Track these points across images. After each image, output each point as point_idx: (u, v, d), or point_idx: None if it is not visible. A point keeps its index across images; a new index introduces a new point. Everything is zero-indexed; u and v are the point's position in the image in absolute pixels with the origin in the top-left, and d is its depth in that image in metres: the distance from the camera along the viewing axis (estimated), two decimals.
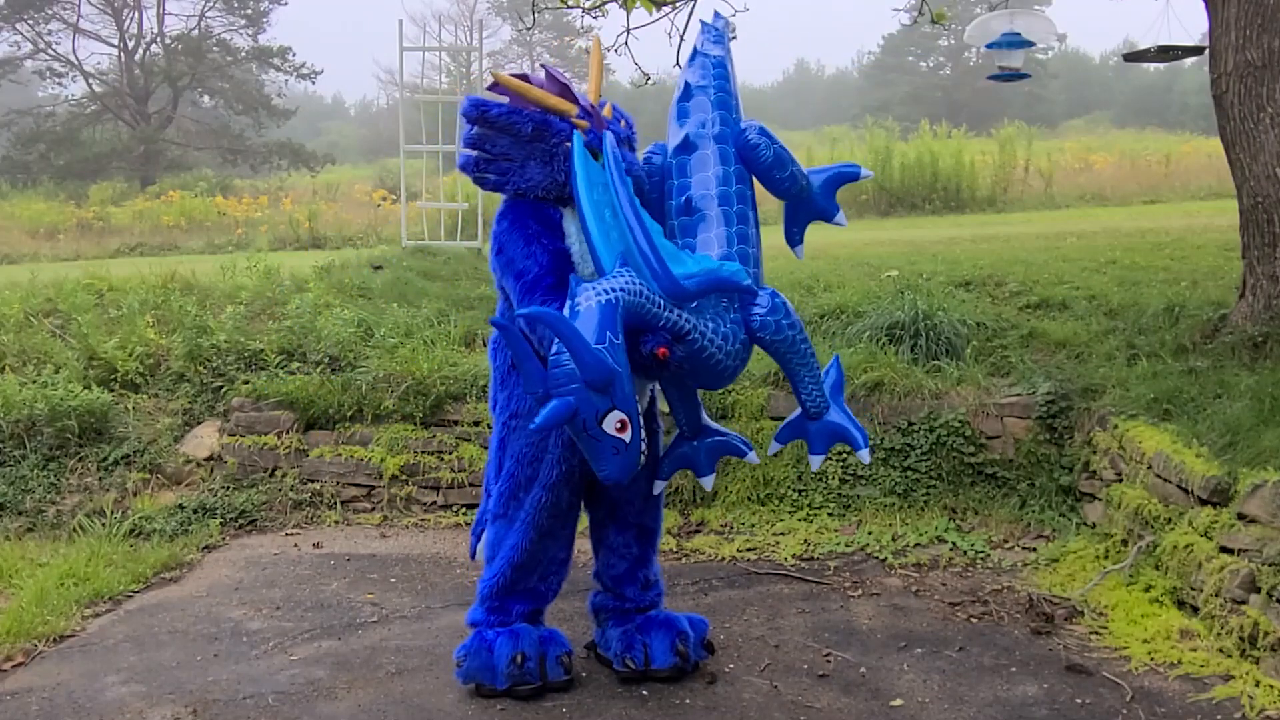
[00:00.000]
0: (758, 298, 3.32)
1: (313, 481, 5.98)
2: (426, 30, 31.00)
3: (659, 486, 3.72)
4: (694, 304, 3.17)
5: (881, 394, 5.56)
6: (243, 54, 31.27)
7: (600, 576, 3.82)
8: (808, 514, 5.40)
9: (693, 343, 3.15)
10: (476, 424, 5.85)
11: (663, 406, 3.81)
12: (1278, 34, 5.11)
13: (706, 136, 3.49)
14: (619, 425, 2.94)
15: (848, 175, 3.77)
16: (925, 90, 41.25)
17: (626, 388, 2.94)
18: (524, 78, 3.47)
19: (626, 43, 7.16)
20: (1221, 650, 3.64)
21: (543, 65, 3.63)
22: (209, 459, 6.17)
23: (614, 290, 2.99)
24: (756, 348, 3.39)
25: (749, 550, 5.10)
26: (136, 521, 5.58)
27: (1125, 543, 4.50)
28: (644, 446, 3.05)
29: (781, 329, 3.31)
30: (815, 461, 3.68)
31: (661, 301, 3.08)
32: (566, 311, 2.97)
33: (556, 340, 2.91)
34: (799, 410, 3.59)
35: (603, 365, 2.87)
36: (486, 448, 5.88)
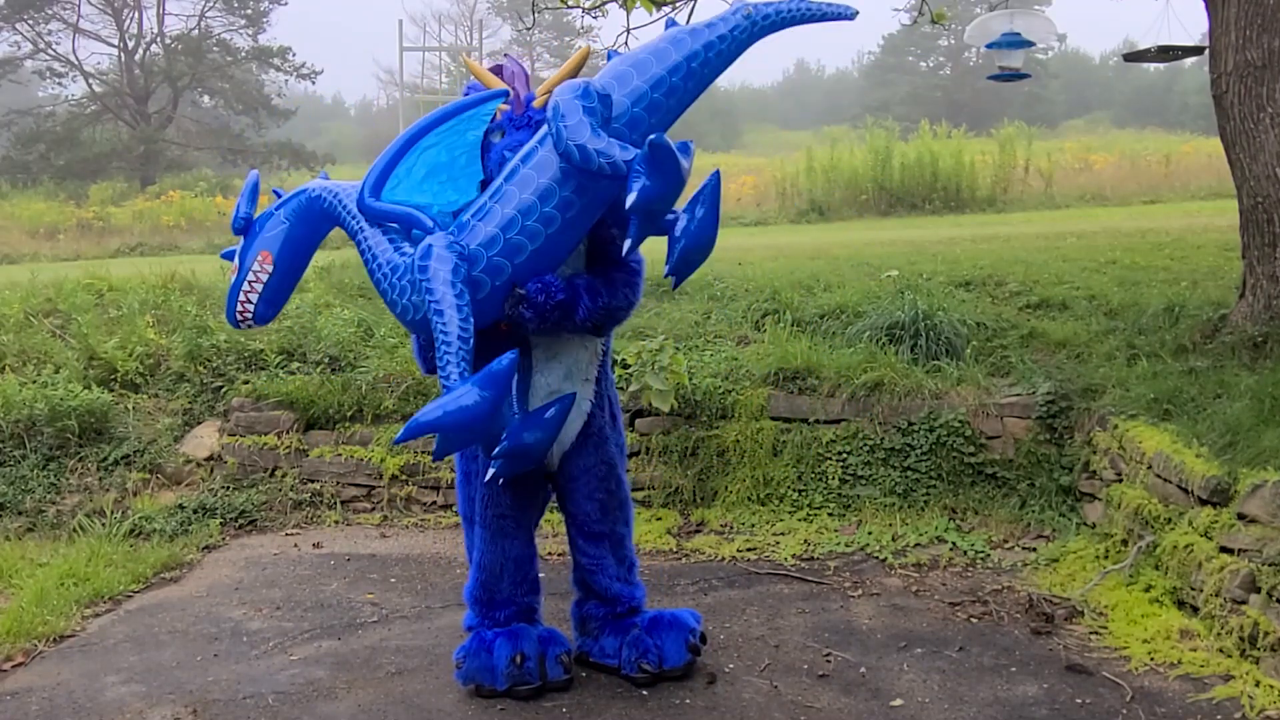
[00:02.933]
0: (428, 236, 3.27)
1: (313, 481, 5.99)
2: (426, 30, 31.06)
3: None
4: (384, 226, 3.32)
5: (881, 394, 5.56)
6: (243, 54, 31.29)
7: (581, 584, 3.81)
8: (808, 514, 5.40)
9: (363, 254, 3.32)
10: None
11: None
12: (1278, 34, 5.11)
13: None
14: None
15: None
16: (925, 90, 41.26)
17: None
18: (497, 69, 3.60)
19: (626, 43, 7.16)
20: (1221, 650, 3.64)
21: (505, 55, 3.74)
22: (209, 459, 6.17)
23: (312, 189, 3.46)
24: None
25: (749, 550, 5.10)
26: (136, 521, 5.58)
27: (1125, 543, 4.50)
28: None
29: (423, 270, 3.13)
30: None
31: (349, 207, 3.35)
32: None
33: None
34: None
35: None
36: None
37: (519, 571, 3.66)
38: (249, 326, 3.45)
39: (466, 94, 3.58)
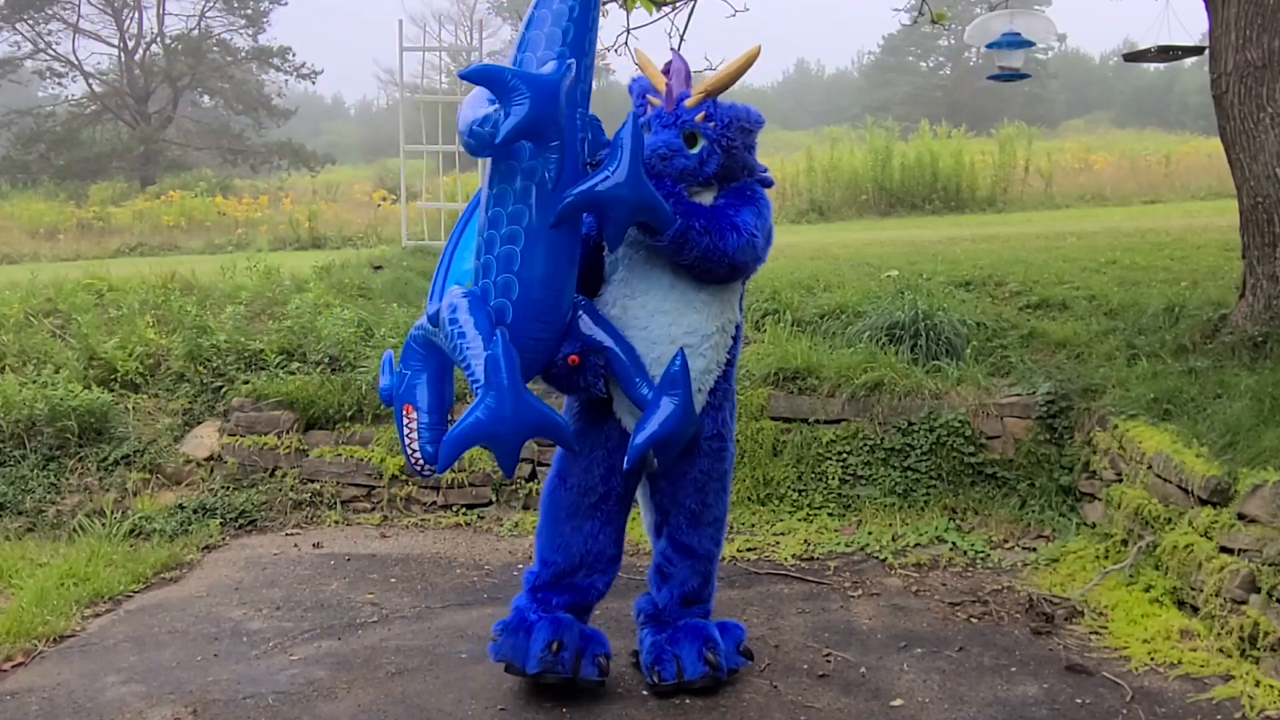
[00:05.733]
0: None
1: (313, 481, 5.98)
2: (426, 30, 31.08)
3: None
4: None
5: (881, 394, 5.56)
6: (243, 54, 31.26)
7: (649, 578, 3.74)
8: (808, 514, 5.40)
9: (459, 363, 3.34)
10: None
11: None
12: (1278, 34, 5.11)
13: None
14: None
15: None
16: (925, 90, 41.24)
17: None
18: (667, 66, 3.54)
19: (626, 43, 7.16)
20: (1221, 650, 3.64)
21: (673, 49, 3.70)
22: (209, 459, 6.17)
23: (410, 334, 3.54)
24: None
25: (749, 550, 5.10)
26: (136, 521, 5.58)
27: (1125, 543, 4.50)
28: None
29: (451, 321, 3.25)
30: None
31: (425, 326, 3.47)
32: None
33: None
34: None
35: None
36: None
37: (595, 568, 3.55)
38: (433, 473, 3.47)
39: (630, 89, 3.54)
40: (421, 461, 3.39)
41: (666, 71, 3.50)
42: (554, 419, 3.16)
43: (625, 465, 3.36)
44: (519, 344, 3.13)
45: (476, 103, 3.15)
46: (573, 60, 3.04)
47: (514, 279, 3.15)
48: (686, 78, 3.47)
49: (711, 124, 3.40)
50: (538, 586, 3.58)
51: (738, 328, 3.59)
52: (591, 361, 3.31)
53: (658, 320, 3.38)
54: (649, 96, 3.48)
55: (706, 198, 3.42)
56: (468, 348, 3.11)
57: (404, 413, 3.39)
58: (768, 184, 3.59)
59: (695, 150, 3.38)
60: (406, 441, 3.38)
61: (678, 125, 3.38)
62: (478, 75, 2.95)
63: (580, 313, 3.35)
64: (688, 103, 3.40)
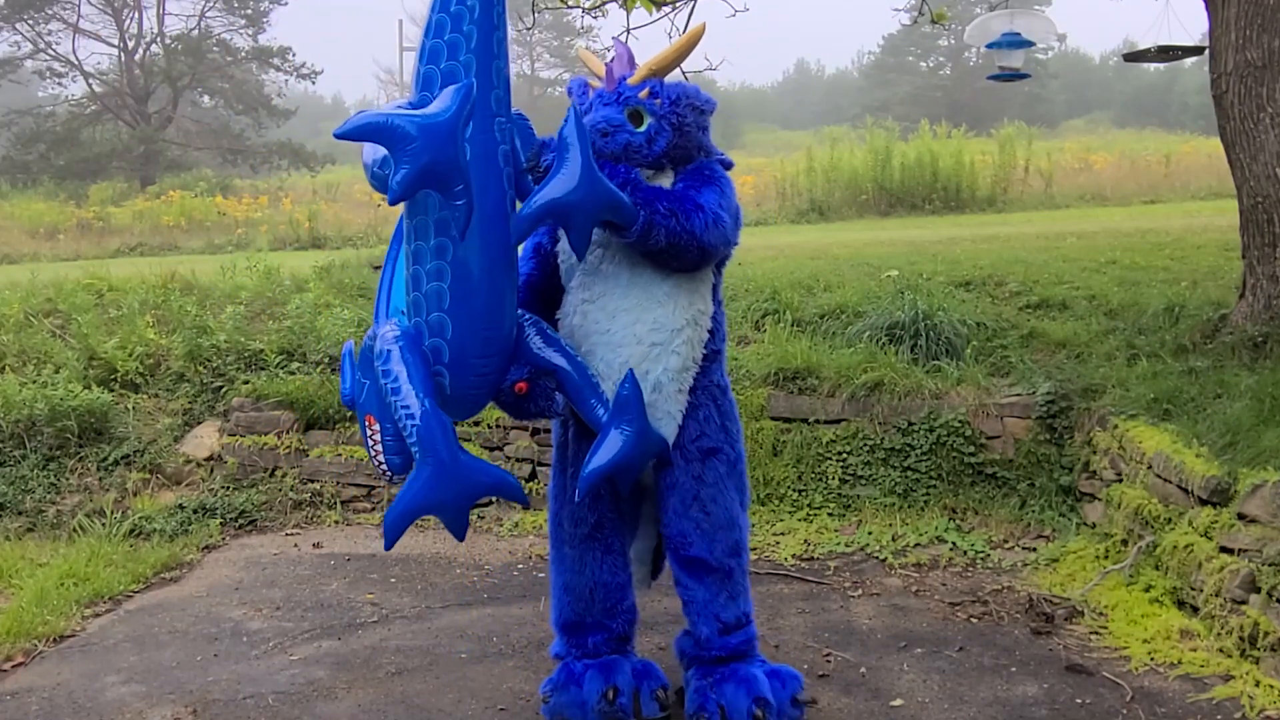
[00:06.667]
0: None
1: (313, 481, 5.99)
2: None
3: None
4: None
5: (881, 394, 5.56)
6: (243, 54, 31.28)
7: (684, 612, 3.49)
8: (808, 514, 5.40)
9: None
10: (477, 424, 5.85)
11: None
12: (1278, 34, 5.11)
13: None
14: None
15: None
16: (925, 90, 41.28)
17: None
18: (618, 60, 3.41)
19: (626, 43, 7.15)
20: (1221, 650, 3.64)
21: (614, 38, 3.62)
22: (209, 459, 6.17)
23: (364, 343, 3.22)
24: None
25: (749, 550, 5.08)
26: (136, 521, 5.58)
27: (1125, 543, 4.50)
28: None
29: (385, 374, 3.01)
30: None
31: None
32: None
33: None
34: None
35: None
36: (485, 448, 5.93)
37: (609, 598, 3.35)
38: (395, 480, 3.29)
39: (570, 90, 3.42)
40: (388, 471, 3.23)
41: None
42: (499, 477, 3.00)
43: (576, 497, 3.16)
44: (463, 380, 2.98)
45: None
46: (472, 81, 2.77)
47: (445, 318, 2.92)
48: (629, 61, 3.31)
49: (658, 100, 3.23)
50: (564, 626, 3.42)
51: (715, 319, 3.34)
52: (542, 385, 3.09)
53: (619, 320, 3.15)
54: (589, 81, 3.35)
55: (664, 181, 3.26)
56: (402, 406, 2.85)
57: (367, 422, 3.21)
58: (727, 165, 3.44)
59: (642, 129, 3.20)
60: (372, 451, 3.22)
61: (620, 103, 3.22)
62: (358, 132, 2.60)
63: (528, 332, 3.13)
64: (630, 81, 3.25)
